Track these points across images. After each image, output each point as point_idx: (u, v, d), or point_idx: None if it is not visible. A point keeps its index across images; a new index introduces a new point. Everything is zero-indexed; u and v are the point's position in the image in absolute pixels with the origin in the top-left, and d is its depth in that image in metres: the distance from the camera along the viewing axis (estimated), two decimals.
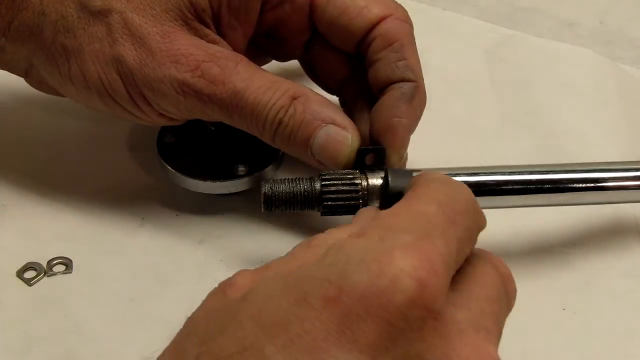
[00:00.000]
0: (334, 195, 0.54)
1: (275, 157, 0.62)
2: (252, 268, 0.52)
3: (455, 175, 0.55)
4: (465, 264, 0.43)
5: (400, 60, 0.58)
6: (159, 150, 0.62)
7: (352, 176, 0.54)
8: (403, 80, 0.58)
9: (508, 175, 0.55)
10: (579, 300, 0.57)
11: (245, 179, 0.60)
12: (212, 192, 0.61)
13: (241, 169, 0.61)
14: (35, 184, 0.63)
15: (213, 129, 0.63)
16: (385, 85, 0.58)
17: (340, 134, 0.55)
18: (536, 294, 0.57)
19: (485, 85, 0.72)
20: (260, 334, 0.38)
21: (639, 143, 0.67)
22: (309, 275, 0.39)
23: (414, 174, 0.54)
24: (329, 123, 0.55)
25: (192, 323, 0.42)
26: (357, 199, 0.54)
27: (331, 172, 0.55)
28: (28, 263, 0.58)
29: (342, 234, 0.47)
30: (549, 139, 0.68)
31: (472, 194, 0.45)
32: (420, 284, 0.38)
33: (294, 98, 0.56)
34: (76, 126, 0.67)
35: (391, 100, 0.57)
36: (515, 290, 0.45)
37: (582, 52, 0.75)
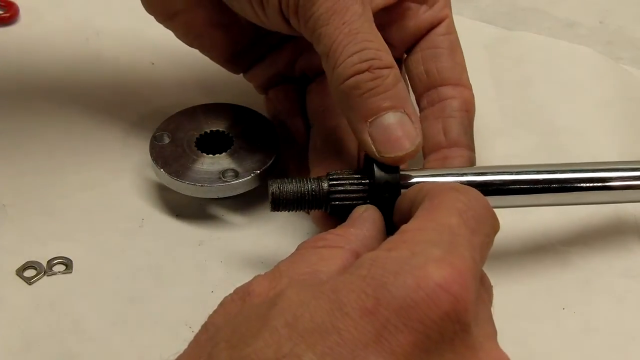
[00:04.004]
0: (342, 195, 0.53)
1: (267, 162, 0.61)
2: (251, 268, 0.52)
3: (463, 175, 0.55)
4: None
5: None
6: (151, 152, 0.61)
7: (359, 176, 0.54)
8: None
9: (515, 175, 0.55)
10: (579, 300, 0.57)
11: (236, 184, 0.59)
12: (201, 197, 0.60)
13: (231, 173, 0.60)
14: (35, 184, 0.63)
15: (208, 132, 0.63)
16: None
17: (414, 133, 0.52)
18: (536, 294, 0.57)
19: (486, 83, 0.72)
20: (298, 340, 0.38)
21: (639, 143, 0.67)
22: (344, 285, 0.40)
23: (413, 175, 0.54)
24: (409, 114, 0.52)
25: (213, 327, 0.42)
26: (365, 199, 0.53)
27: (338, 172, 0.54)
28: (28, 262, 0.58)
29: (350, 236, 0.47)
30: (549, 136, 0.68)
31: (486, 200, 0.47)
32: (454, 298, 0.39)
33: (393, 66, 0.52)
34: (76, 126, 0.67)
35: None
36: (491, 285, 0.47)
37: (583, 50, 0.75)
